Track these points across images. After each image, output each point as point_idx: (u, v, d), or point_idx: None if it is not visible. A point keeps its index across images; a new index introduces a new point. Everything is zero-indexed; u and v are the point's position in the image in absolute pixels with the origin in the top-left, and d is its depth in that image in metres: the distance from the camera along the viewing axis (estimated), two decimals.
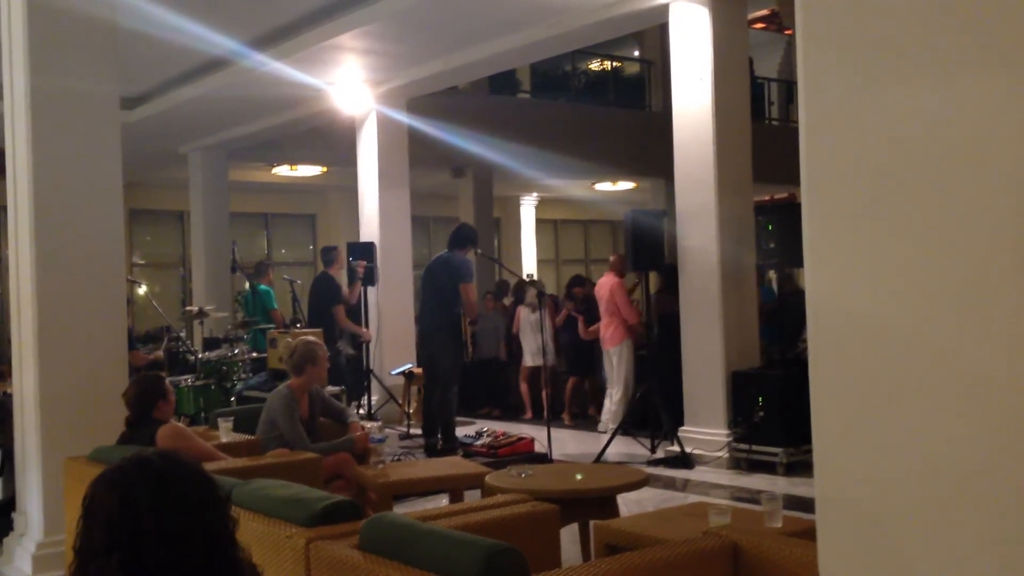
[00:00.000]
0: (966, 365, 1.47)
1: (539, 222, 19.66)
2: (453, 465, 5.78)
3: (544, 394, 9.33)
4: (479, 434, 8.14)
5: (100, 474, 1.74)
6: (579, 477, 5.02)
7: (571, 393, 10.53)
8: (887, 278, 1.56)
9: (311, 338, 5.98)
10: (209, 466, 3.99)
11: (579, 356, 10.47)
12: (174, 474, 1.73)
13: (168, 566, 1.64)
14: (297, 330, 8.70)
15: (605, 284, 9.05)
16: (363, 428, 5.87)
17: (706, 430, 7.61)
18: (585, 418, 10.42)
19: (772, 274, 10.28)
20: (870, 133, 1.58)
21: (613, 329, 8.90)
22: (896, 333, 1.55)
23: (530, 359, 10.71)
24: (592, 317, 9.73)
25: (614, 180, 17.22)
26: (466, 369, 9.80)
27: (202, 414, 7.96)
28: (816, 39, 1.66)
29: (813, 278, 1.67)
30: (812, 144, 1.65)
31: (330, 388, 7.86)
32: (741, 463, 7.40)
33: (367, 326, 10.58)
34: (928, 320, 1.51)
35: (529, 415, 10.78)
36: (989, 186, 1.44)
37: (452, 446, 8.04)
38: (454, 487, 5.40)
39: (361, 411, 10.03)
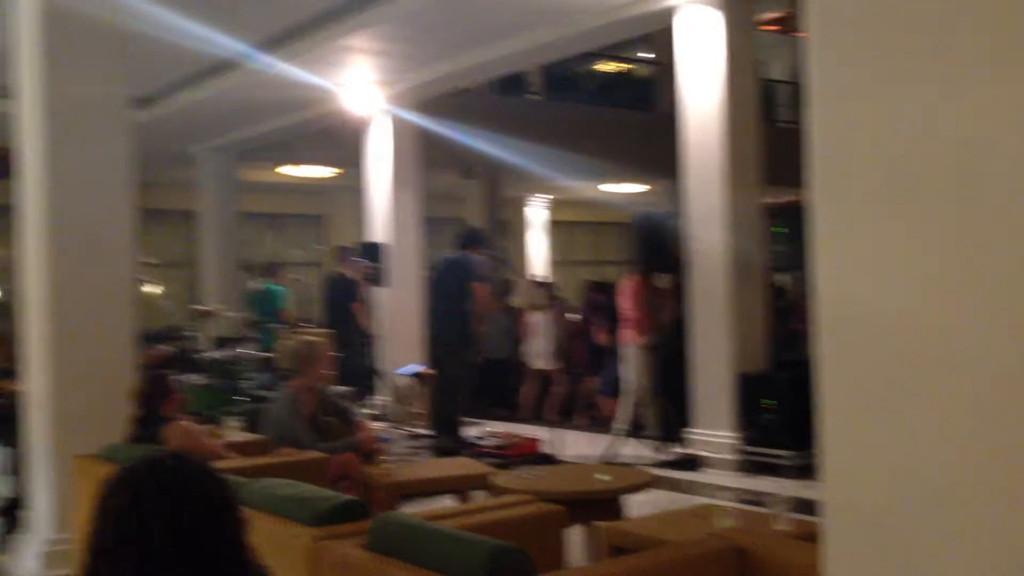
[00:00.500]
0: (974, 366, 1.47)
1: (548, 223, 19.66)
2: (460, 465, 5.79)
3: (552, 395, 9.35)
4: (486, 435, 8.15)
5: (112, 473, 1.75)
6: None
7: (587, 395, 10.50)
8: (895, 278, 1.56)
9: (310, 338, 6.00)
10: (216, 465, 4.00)
11: (598, 358, 10.42)
12: (186, 475, 1.74)
13: (177, 566, 1.65)
14: (305, 329, 8.72)
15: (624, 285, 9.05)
16: (370, 428, 5.88)
17: (713, 432, 7.60)
18: (594, 420, 10.39)
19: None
20: (877, 134, 1.58)
21: (625, 329, 8.87)
22: (903, 333, 1.55)
23: (535, 360, 10.74)
24: (610, 324, 9.82)
25: (624, 181, 17.20)
26: (475, 370, 9.80)
27: (210, 413, 7.98)
28: (824, 41, 1.66)
29: (820, 278, 1.67)
30: (820, 145, 1.66)
31: (338, 388, 7.89)
32: (748, 465, 7.38)
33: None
34: (936, 320, 1.51)
35: (524, 414, 10.79)
36: (996, 186, 1.44)
37: (459, 446, 8.05)
38: (461, 487, 5.41)
39: (369, 411, 10.04)
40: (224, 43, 8.56)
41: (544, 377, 10.69)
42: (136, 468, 1.73)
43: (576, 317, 11.28)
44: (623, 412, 8.75)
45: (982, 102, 1.45)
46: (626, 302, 8.74)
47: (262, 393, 8.13)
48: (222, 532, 1.73)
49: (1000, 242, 1.43)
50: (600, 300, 10.69)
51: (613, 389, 9.79)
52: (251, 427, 5.73)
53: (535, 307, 10.93)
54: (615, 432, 8.43)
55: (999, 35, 1.43)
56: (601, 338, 10.01)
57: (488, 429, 8.47)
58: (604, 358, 10.05)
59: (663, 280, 8.88)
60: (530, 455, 7.67)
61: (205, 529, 1.70)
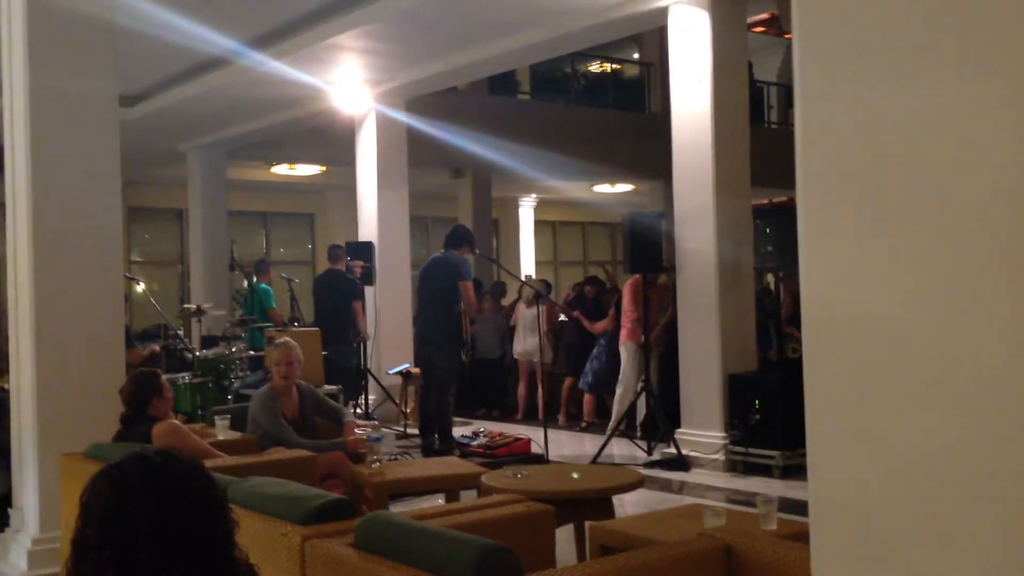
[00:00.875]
0: (960, 366, 1.47)
1: (538, 223, 19.66)
2: (449, 465, 5.78)
3: (539, 394, 9.33)
4: (476, 434, 8.14)
5: (99, 470, 1.73)
6: (575, 476, 5.04)
7: (567, 394, 10.51)
8: (882, 280, 1.56)
9: (280, 340, 6.04)
10: (205, 463, 3.97)
11: (579, 356, 10.43)
12: (173, 472, 1.72)
13: (162, 564, 1.63)
14: (295, 329, 8.70)
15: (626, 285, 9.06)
16: (358, 429, 5.88)
17: (703, 432, 7.61)
18: (580, 419, 10.39)
19: (770, 277, 10.28)
20: (866, 136, 1.58)
21: (623, 328, 8.86)
22: (890, 334, 1.55)
23: (520, 354, 10.77)
24: (594, 318, 9.86)
25: (613, 182, 17.23)
26: (464, 369, 9.77)
27: (199, 412, 7.96)
28: (812, 43, 1.66)
29: (808, 280, 1.68)
30: (808, 147, 1.66)
31: (327, 388, 7.88)
32: (737, 466, 7.40)
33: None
34: (922, 321, 1.52)
35: (520, 415, 10.79)
36: (983, 189, 1.45)
37: (449, 446, 8.05)
38: (450, 487, 5.40)
39: (358, 410, 10.02)
40: (214, 40, 8.54)
41: (534, 375, 10.70)
42: (123, 465, 1.72)
43: (564, 313, 11.31)
44: (616, 411, 8.76)
45: (970, 104, 1.46)
46: (627, 301, 8.75)
47: (251, 392, 8.11)
48: (211, 531, 1.71)
49: (985, 244, 1.44)
50: (589, 293, 10.71)
51: (593, 383, 9.80)
52: (240, 426, 5.72)
53: (524, 304, 10.93)
54: (607, 432, 8.44)
55: (985, 36, 1.44)
56: (594, 328, 10.02)
57: (478, 428, 8.46)
58: (588, 353, 10.07)
59: (660, 279, 8.90)
60: (520, 455, 7.66)
61: (191, 528, 1.68)
